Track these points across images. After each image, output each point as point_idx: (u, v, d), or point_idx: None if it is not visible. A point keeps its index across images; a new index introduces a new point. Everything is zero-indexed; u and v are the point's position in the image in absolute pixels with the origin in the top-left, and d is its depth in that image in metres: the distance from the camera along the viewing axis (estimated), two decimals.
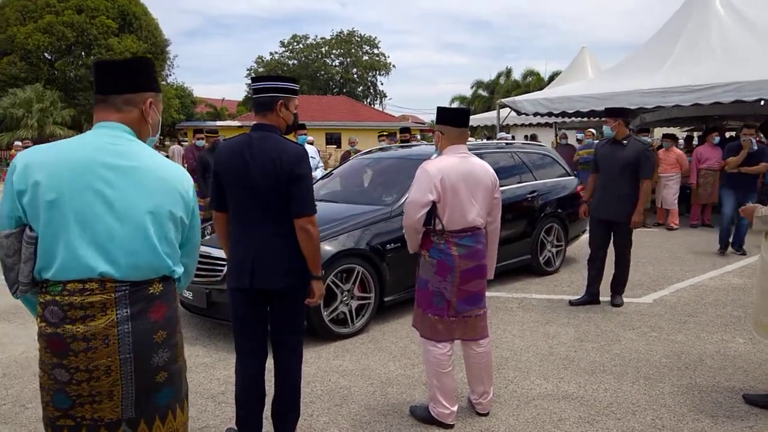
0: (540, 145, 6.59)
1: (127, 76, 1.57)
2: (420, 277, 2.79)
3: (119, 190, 1.47)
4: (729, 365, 3.39)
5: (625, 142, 4.37)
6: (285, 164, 2.27)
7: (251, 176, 2.28)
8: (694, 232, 8.18)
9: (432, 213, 2.65)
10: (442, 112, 2.75)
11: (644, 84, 8.76)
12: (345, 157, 8.45)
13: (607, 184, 4.45)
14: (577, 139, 10.51)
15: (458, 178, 2.63)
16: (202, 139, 7.95)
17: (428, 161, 2.69)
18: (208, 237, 4.05)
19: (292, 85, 2.40)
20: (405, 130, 8.62)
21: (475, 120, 17.79)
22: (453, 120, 2.74)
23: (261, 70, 48.11)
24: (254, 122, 2.40)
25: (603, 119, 4.85)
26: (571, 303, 4.61)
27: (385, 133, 9.15)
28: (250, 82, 2.53)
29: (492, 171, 2.78)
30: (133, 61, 1.60)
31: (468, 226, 2.68)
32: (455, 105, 34.29)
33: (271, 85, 2.36)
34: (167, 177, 1.56)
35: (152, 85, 1.63)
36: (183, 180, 1.61)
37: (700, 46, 9.00)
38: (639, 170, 4.30)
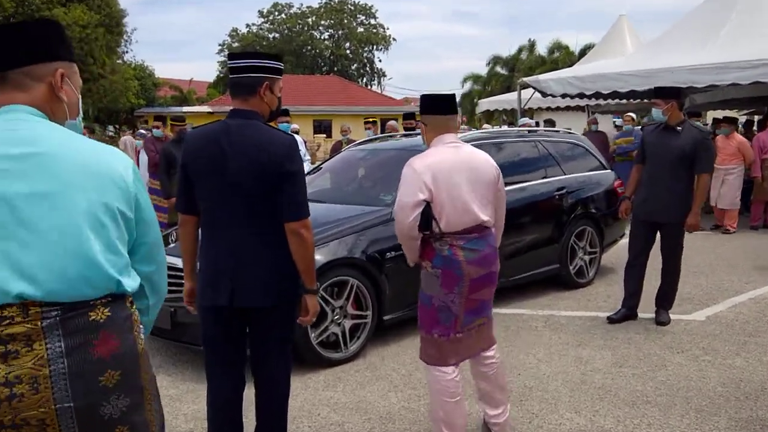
0: (569, 133, 6.61)
1: (25, 42, 1.43)
2: (422, 292, 2.81)
3: (25, 183, 1.32)
4: None
5: (679, 128, 4.36)
6: (274, 158, 2.28)
7: (231, 171, 2.28)
8: (755, 235, 8.18)
9: (428, 215, 2.66)
10: (422, 100, 2.84)
11: (694, 59, 8.79)
12: (336, 149, 8.47)
13: (656, 178, 4.43)
14: (615, 126, 10.55)
15: (453, 170, 2.67)
16: (159, 127, 7.94)
17: (414, 157, 2.73)
18: (173, 245, 4.06)
19: (278, 64, 2.42)
20: (409, 115, 8.64)
21: (492, 103, 17.84)
22: (435, 107, 2.80)
23: (236, 45, 48.21)
24: (231, 108, 2.40)
25: (651, 101, 4.86)
26: (610, 320, 4.63)
27: (371, 120, 9.16)
28: (225, 59, 2.52)
29: (491, 160, 2.83)
30: (30, 24, 1.47)
31: (472, 225, 2.71)
32: (468, 85, 34.45)
33: (255, 63, 2.37)
34: (92, 161, 1.41)
35: (62, 52, 1.49)
36: (114, 163, 1.45)
37: (762, 11, 9.02)
38: (695, 163, 4.30)
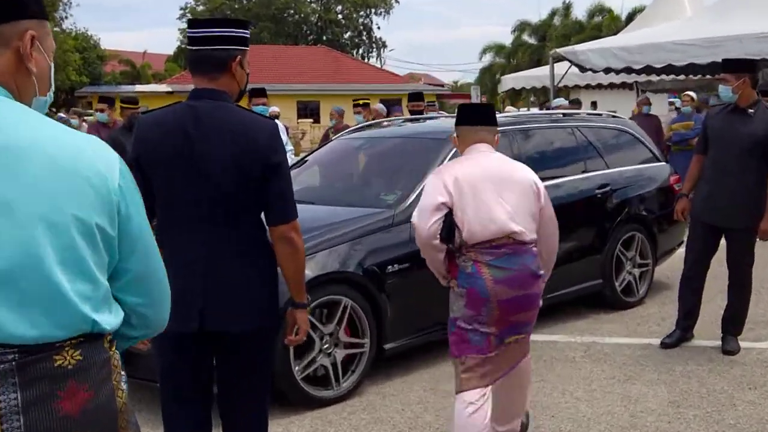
0: (614, 117, 6.63)
1: None
2: (450, 317, 3.06)
3: None
4: None
5: (751, 111, 4.37)
6: (254, 147, 2.30)
7: (201, 164, 2.28)
8: None
9: (450, 224, 2.89)
10: (457, 111, 3.32)
11: (766, 24, 8.81)
12: (326, 137, 8.49)
13: (721, 172, 4.45)
14: (674, 108, 10.56)
15: (478, 175, 2.96)
16: (104, 111, 7.92)
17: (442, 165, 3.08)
18: None
19: (247, 33, 2.45)
20: (416, 96, 8.65)
21: (518, 80, 17.88)
22: (463, 118, 3.21)
23: (201, 9, 48.37)
24: (193, 87, 2.40)
25: (717, 76, 4.87)
26: (663, 344, 4.66)
27: (361, 101, 9.12)
28: (186, 27, 2.55)
29: (531, 172, 3.11)
30: None
31: (500, 236, 2.90)
32: (488, 58, 34.60)
33: (225, 32, 2.37)
34: (64, 157, 1.29)
35: (31, 8, 1.39)
36: (94, 160, 1.34)
37: None
38: None
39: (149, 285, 1.48)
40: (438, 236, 2.89)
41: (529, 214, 2.99)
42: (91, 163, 1.33)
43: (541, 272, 3.04)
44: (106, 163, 1.37)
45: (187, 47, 2.43)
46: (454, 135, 3.25)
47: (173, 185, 2.33)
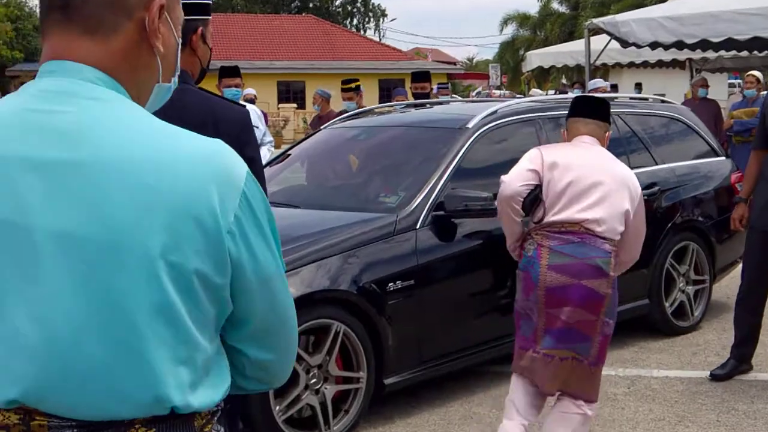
0: (664, 102, 6.66)
1: None
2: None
3: (46, 216, 1.13)
4: None
5: None
6: (228, 141, 2.31)
7: None
8: None
9: (535, 197, 3.44)
10: (571, 104, 3.89)
11: None
12: (315, 126, 8.49)
13: None
14: (738, 91, 10.58)
15: (575, 162, 3.50)
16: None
17: None
18: None
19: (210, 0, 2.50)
20: (421, 76, 8.66)
21: (546, 57, 17.92)
22: (576, 109, 3.78)
23: None
24: None
25: None
26: (713, 376, 4.71)
27: (352, 86, 8.81)
28: None
29: (632, 174, 3.65)
30: None
31: (571, 221, 3.38)
32: (510, 29, 34.69)
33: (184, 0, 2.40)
34: (166, 177, 1.16)
35: None
36: (200, 177, 1.18)
37: None
38: None
39: (277, 337, 1.36)
40: (521, 199, 3.43)
41: (617, 212, 3.42)
42: (201, 193, 1.17)
43: (610, 272, 3.31)
44: (218, 180, 1.20)
45: None
46: (563, 130, 3.88)
47: None
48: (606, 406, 4.43)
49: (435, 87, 11.92)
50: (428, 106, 6.68)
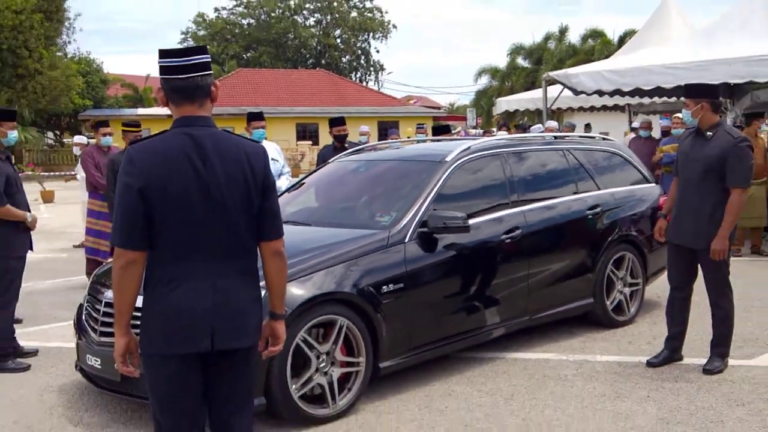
0: (606, 140, 6.70)
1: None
2: None
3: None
4: None
5: (710, 134, 4.50)
6: (256, 173, 2.41)
7: (216, 192, 2.34)
8: None
9: None
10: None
11: (757, 48, 8.93)
12: (324, 158, 8.47)
13: (684, 194, 4.60)
14: (662, 130, 10.62)
15: None
16: (109, 134, 7.89)
17: None
18: None
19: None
20: (338, 121, 7.99)
21: (512, 102, 18.03)
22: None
23: (202, 34, 48.75)
24: (183, 115, 2.42)
25: (683, 100, 4.98)
26: (649, 364, 4.70)
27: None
28: (165, 57, 2.52)
29: None
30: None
31: None
32: (484, 80, 34.80)
33: (206, 59, 2.44)
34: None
35: None
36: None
37: None
38: (727, 175, 4.39)
39: None
40: None
41: None
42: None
43: None
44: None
45: (169, 76, 2.40)
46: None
47: (183, 213, 2.33)
48: (558, 386, 4.43)
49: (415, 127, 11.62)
50: (415, 143, 6.70)
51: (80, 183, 10.00)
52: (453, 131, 23.28)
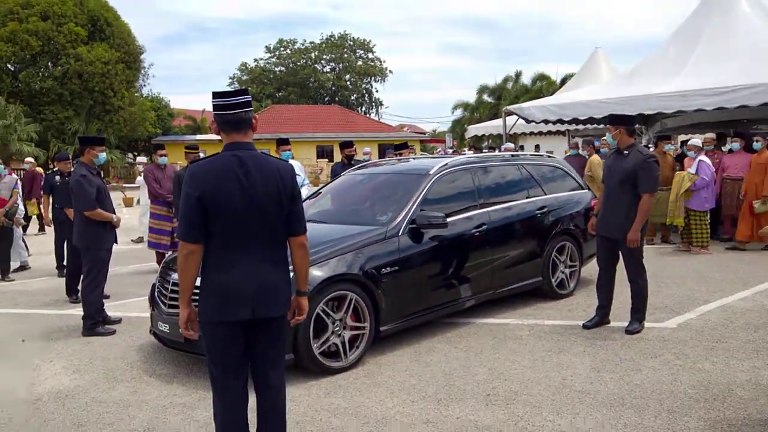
0: (550, 157, 6.69)
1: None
2: None
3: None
4: (762, 395, 3.41)
5: (626, 152, 4.51)
6: (286, 183, 2.45)
7: (255, 199, 2.36)
8: (723, 248, 8.21)
9: None
10: None
11: (664, 87, 8.93)
12: (336, 173, 8.42)
13: (608, 197, 4.62)
14: (595, 148, 10.60)
15: None
16: (164, 155, 7.87)
17: None
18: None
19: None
20: (347, 144, 7.97)
21: (479, 129, 18.01)
22: None
23: (245, 78, 48.64)
24: (232, 141, 2.42)
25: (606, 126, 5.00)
26: (584, 326, 4.69)
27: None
28: (217, 97, 2.53)
29: None
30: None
31: None
32: (458, 112, 34.68)
33: (247, 99, 2.46)
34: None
35: None
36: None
37: (724, 46, 9.18)
38: (638, 183, 4.39)
39: None
40: None
41: None
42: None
43: None
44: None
45: (221, 112, 2.41)
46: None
47: (231, 215, 2.35)
48: (515, 343, 4.42)
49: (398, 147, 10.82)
50: (409, 160, 6.65)
51: (141, 190, 10.28)
52: (436, 151, 23.22)
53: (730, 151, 8.65)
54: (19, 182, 7.99)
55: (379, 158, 8.83)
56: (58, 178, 7.24)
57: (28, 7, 25.50)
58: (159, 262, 7.31)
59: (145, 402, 3.57)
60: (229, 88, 2.27)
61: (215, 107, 2.44)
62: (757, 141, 7.96)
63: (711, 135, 9.78)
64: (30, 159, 11.85)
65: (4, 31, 24.63)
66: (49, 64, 25.97)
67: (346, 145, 7.97)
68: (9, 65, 25.52)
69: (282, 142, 7.32)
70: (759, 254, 7.60)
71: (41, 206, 9.14)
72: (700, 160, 7.81)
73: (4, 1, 25.58)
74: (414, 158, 6.39)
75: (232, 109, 2.41)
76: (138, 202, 9.63)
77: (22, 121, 23.48)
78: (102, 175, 5.40)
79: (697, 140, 8.46)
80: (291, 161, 7.23)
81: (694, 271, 6.73)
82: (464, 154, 10.27)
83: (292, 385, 3.65)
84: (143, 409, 3.48)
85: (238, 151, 2.41)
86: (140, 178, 10.46)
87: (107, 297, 5.76)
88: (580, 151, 9.62)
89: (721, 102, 8.20)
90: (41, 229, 12.05)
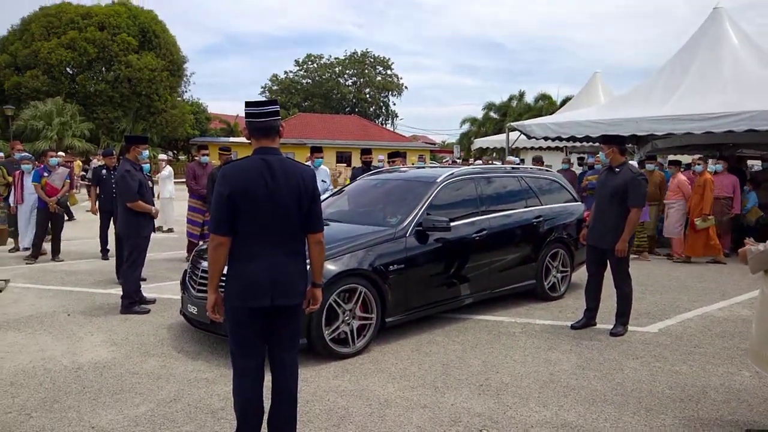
0: (548, 170, 6.63)
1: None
2: None
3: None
4: (733, 399, 3.35)
5: (617, 169, 4.46)
6: (308, 185, 2.45)
7: (279, 199, 2.38)
8: (704, 261, 8.09)
9: None
10: None
11: (655, 111, 8.81)
12: (356, 175, 8.39)
13: (598, 210, 4.57)
14: (587, 164, 10.51)
15: None
16: (206, 155, 7.89)
17: None
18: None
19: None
20: (366, 152, 8.21)
21: (485, 143, 17.92)
22: None
23: (275, 88, 48.89)
24: (259, 146, 2.44)
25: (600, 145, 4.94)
26: (572, 327, 4.64)
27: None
28: (249, 106, 2.54)
29: None
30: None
31: None
32: (466, 126, 34.51)
33: (276, 108, 2.47)
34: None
35: None
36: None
37: (712, 73, 9.06)
38: (627, 198, 4.34)
39: None
40: None
41: None
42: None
43: None
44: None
45: (252, 120, 2.43)
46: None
47: (256, 212, 2.37)
48: (508, 339, 4.39)
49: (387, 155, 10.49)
50: (420, 168, 6.62)
51: (161, 183, 10.43)
52: (444, 160, 23.14)
53: (715, 172, 8.54)
54: (74, 172, 8.02)
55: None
56: (104, 171, 7.30)
57: (87, 17, 25.94)
58: (189, 251, 7.33)
59: (173, 375, 3.61)
60: (260, 98, 2.30)
61: (247, 115, 2.46)
62: (698, 164, 8.01)
63: (698, 156, 9.69)
64: (61, 153, 11.27)
65: (65, 38, 25.07)
66: (103, 69, 26.35)
67: (365, 152, 8.19)
68: (68, 69, 25.94)
69: (315, 150, 7.44)
70: (738, 267, 7.46)
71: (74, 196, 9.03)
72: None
73: (65, 11, 26.03)
74: (404, 168, 6.26)
75: (262, 117, 2.43)
76: (158, 196, 9.53)
77: (77, 119, 23.88)
78: (144, 171, 5.45)
79: (633, 163, 8.59)
80: (321, 167, 7.31)
81: (676, 280, 6.64)
82: (469, 164, 10.18)
83: (304, 367, 3.67)
84: (171, 381, 3.51)
85: (265, 156, 2.43)
86: (163, 172, 10.57)
87: (144, 280, 5.83)
88: (571, 167, 9.63)
89: (708, 126, 8.07)
90: (70, 217, 11.63)
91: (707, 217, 7.61)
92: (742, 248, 2.81)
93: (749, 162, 12.98)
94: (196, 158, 7.88)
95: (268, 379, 2.57)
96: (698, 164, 8.00)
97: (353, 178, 7.31)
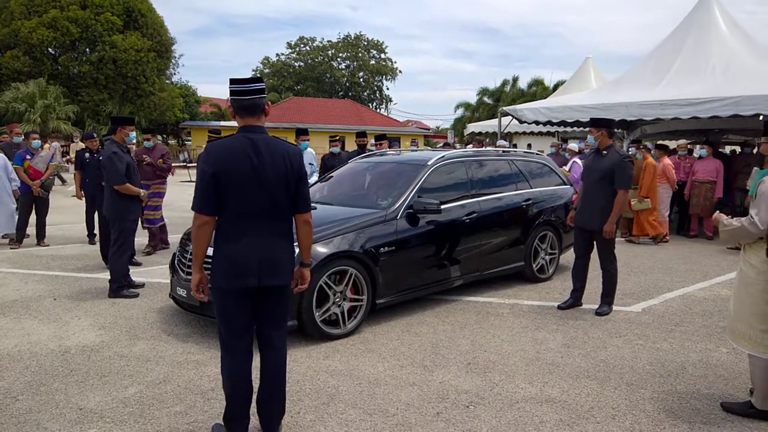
0: (538, 154, 6.67)
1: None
2: None
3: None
4: (710, 374, 3.46)
5: (605, 152, 4.51)
6: (295, 165, 2.42)
7: (265, 178, 2.34)
8: (687, 242, 8.24)
9: None
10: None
11: (644, 96, 8.86)
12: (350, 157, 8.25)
13: (586, 193, 4.63)
14: (579, 149, 10.55)
15: None
16: (148, 139, 7.25)
17: None
18: None
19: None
20: (360, 135, 8.13)
21: (478, 127, 17.90)
22: None
23: (267, 71, 48.25)
24: (244, 125, 2.40)
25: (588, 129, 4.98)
26: (559, 307, 4.72)
27: (336, 137, 7.99)
28: (234, 83, 2.48)
29: None
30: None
31: None
32: (460, 111, 34.43)
33: (262, 86, 2.43)
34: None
35: None
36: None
37: (700, 59, 9.12)
38: (614, 180, 4.40)
39: None
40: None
41: None
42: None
43: None
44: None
45: (237, 97, 2.39)
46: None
47: (242, 191, 2.34)
48: (496, 319, 4.47)
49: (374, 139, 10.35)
50: (411, 151, 6.63)
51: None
52: (438, 145, 23.05)
53: (700, 157, 8.70)
54: (57, 154, 7.84)
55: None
56: (87, 155, 7.11)
57: None
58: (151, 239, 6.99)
59: (163, 357, 3.63)
60: (245, 76, 2.26)
61: (232, 92, 2.41)
62: (639, 151, 8.26)
63: (684, 141, 9.78)
64: (55, 143, 11.19)
65: (47, 17, 24.45)
66: (87, 50, 25.78)
67: (360, 135, 8.19)
68: (50, 49, 25.37)
69: (301, 133, 7.35)
70: (720, 249, 7.60)
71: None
72: (574, 161, 8.40)
73: None
74: (391, 152, 6.26)
75: (247, 95, 2.39)
76: None
77: (61, 101, 23.41)
78: (131, 153, 5.40)
79: (574, 144, 9.19)
80: (307, 151, 7.26)
81: (660, 262, 6.76)
82: (461, 148, 10.19)
83: (295, 348, 3.72)
84: (160, 363, 3.54)
85: (251, 134, 2.39)
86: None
87: (139, 264, 5.79)
88: (560, 152, 9.72)
89: (695, 112, 8.15)
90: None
91: (644, 199, 7.95)
92: (715, 215, 2.93)
93: (727, 147, 13.18)
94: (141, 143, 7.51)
95: (257, 359, 2.61)
96: (639, 150, 8.33)
97: (325, 166, 7.31)
